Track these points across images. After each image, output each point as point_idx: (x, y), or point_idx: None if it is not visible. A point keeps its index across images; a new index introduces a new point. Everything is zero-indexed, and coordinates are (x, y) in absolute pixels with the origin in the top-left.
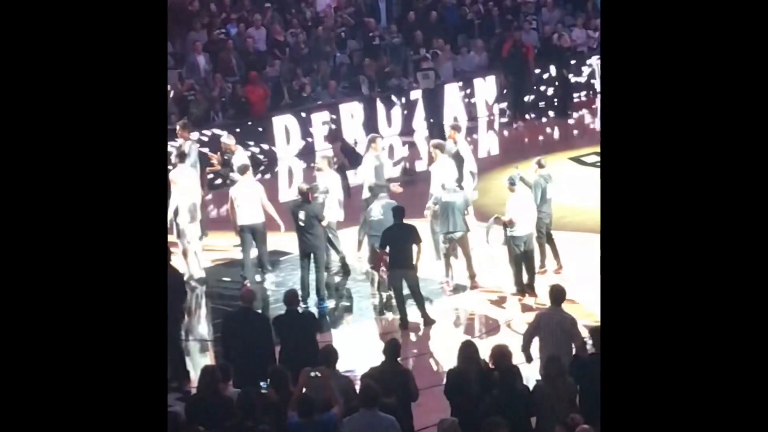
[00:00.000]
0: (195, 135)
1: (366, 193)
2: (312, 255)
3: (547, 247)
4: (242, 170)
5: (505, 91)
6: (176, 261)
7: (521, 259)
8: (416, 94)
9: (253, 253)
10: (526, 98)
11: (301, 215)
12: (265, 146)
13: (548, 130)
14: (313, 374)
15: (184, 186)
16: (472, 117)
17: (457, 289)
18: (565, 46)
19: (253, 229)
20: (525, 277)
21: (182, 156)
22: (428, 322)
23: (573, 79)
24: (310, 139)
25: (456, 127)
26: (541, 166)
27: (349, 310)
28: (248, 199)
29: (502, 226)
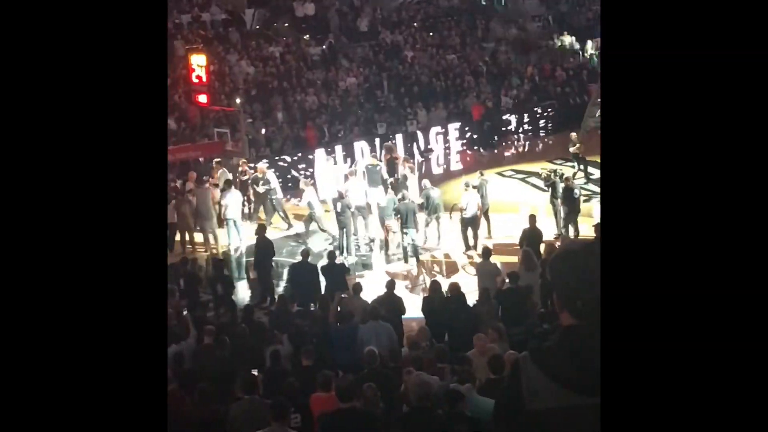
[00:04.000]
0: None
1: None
2: (344, 229)
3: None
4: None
5: (468, 134)
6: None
7: (469, 230)
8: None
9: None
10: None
11: (338, 206)
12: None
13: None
14: (343, 296)
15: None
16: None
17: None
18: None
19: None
20: (471, 242)
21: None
22: None
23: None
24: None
25: (389, 148)
26: (482, 174)
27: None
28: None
29: (459, 212)
